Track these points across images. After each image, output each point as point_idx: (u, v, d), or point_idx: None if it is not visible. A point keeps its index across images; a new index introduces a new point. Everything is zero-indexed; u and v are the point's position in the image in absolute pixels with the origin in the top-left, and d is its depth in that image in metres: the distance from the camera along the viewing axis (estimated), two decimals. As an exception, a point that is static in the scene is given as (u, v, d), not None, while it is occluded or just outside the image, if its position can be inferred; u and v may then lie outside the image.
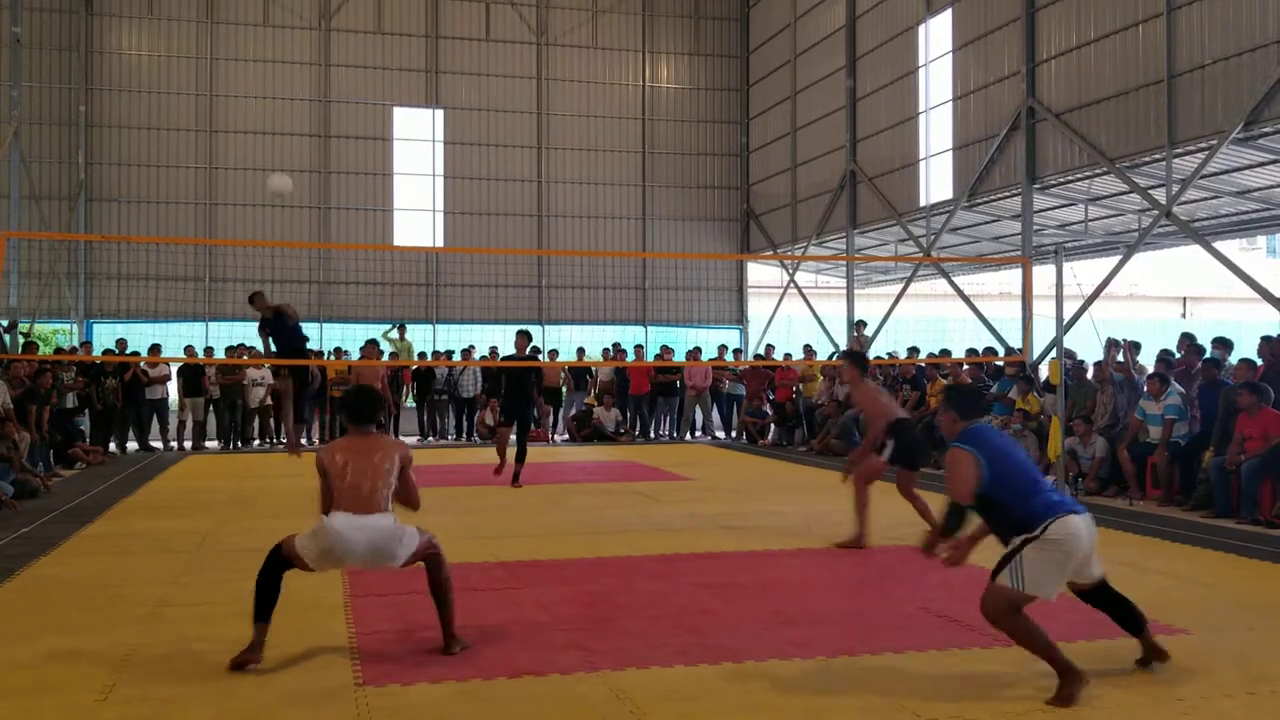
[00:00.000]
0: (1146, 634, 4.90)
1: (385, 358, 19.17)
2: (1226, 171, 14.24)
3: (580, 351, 20.88)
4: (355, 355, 18.75)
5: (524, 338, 12.52)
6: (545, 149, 24.29)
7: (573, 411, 20.00)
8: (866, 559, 7.89)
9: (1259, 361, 10.87)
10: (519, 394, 12.18)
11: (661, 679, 4.82)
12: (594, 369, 20.43)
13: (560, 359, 20.30)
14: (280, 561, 5.15)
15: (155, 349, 17.45)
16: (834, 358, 19.77)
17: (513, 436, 12.31)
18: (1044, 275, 18.35)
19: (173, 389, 17.87)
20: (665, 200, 24.96)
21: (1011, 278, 26.19)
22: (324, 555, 5.11)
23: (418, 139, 23.72)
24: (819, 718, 4.35)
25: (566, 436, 19.58)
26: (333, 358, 19.02)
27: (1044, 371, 14.17)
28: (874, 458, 8.34)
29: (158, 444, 17.70)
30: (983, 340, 17.29)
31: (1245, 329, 16.38)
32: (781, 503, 11.05)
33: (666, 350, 20.84)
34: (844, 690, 4.66)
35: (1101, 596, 4.93)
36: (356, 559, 5.11)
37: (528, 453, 12.41)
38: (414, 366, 19.37)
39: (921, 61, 18.75)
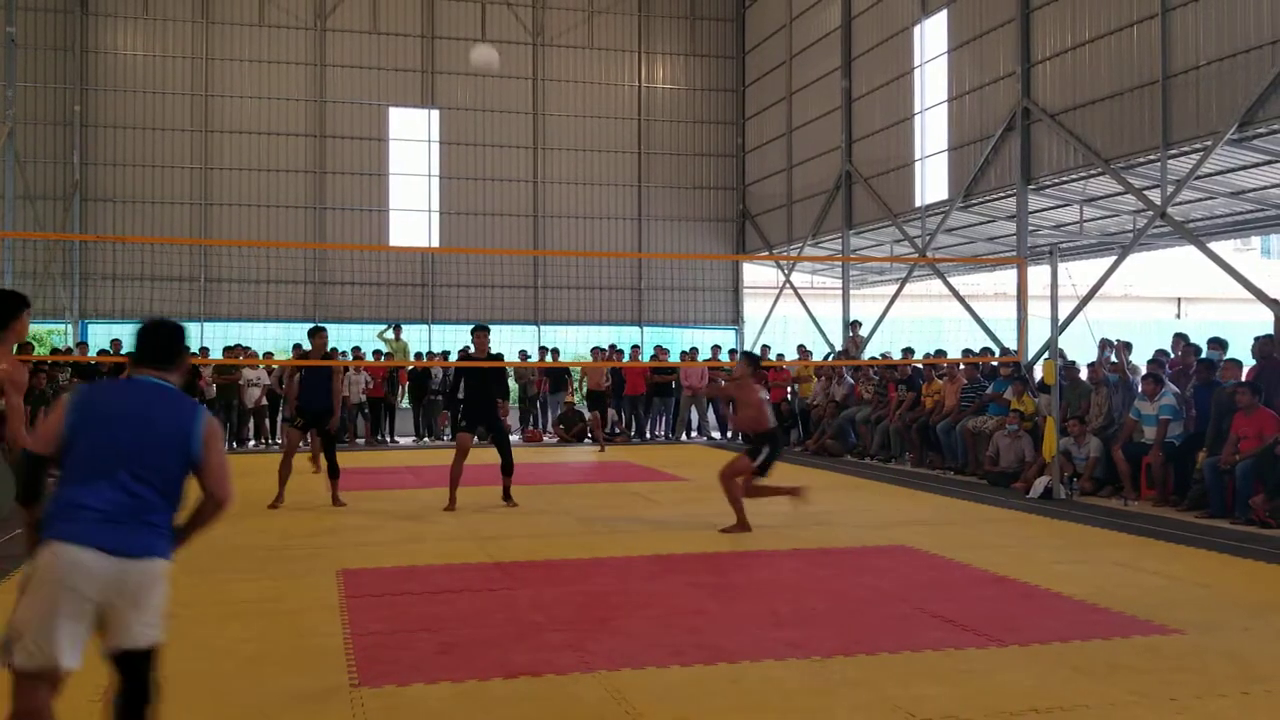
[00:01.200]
0: None
1: (382, 359, 19.18)
2: (1221, 172, 14.27)
3: (555, 352, 20.79)
4: (350, 356, 18.68)
5: (484, 334, 10.73)
6: (541, 149, 24.29)
7: (558, 412, 19.93)
8: (865, 559, 7.89)
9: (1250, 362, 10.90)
10: (482, 397, 10.58)
11: (657, 679, 4.82)
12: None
13: (531, 360, 20.09)
14: None
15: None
16: (828, 357, 19.80)
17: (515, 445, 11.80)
18: (1039, 276, 18.35)
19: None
20: (661, 201, 24.97)
21: (1007, 278, 26.16)
22: None
23: (413, 139, 23.73)
24: (815, 718, 4.36)
25: (555, 440, 19.50)
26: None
27: (1039, 372, 14.18)
28: (746, 459, 9.07)
29: (153, 444, 17.64)
30: (978, 340, 17.30)
31: (1240, 329, 16.36)
32: (777, 503, 11.03)
33: (662, 351, 20.84)
34: (839, 690, 4.66)
35: (126, 678, 3.36)
36: None
37: (514, 464, 10.78)
38: (409, 367, 19.36)
39: (917, 62, 18.78)
